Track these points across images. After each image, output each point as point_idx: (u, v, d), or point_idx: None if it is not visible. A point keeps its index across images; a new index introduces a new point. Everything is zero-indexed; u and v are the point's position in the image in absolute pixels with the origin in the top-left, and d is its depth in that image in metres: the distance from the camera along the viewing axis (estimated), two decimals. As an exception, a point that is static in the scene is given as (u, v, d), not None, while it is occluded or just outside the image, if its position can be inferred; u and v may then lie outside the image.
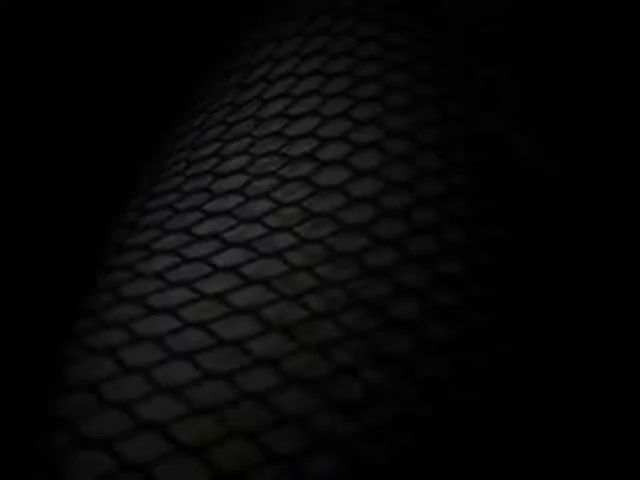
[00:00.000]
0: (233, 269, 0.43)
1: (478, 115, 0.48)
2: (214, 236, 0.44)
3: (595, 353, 0.44)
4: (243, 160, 0.47)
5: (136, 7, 0.56)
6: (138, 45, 0.56)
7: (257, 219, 0.44)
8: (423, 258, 0.43)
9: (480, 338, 0.42)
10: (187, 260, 0.43)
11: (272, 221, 0.44)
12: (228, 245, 0.44)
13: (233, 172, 0.46)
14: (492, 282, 0.44)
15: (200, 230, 0.44)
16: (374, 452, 0.38)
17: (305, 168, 0.45)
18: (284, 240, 0.43)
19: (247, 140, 0.47)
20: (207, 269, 0.43)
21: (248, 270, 0.43)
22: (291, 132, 0.47)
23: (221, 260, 0.43)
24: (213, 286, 0.42)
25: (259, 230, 0.44)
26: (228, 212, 0.45)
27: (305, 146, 0.46)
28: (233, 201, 0.45)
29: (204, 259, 0.43)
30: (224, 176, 0.46)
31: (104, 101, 0.55)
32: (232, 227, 0.44)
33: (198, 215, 0.45)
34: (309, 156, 0.45)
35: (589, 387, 0.43)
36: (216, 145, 0.48)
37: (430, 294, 0.42)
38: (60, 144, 0.54)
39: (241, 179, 0.46)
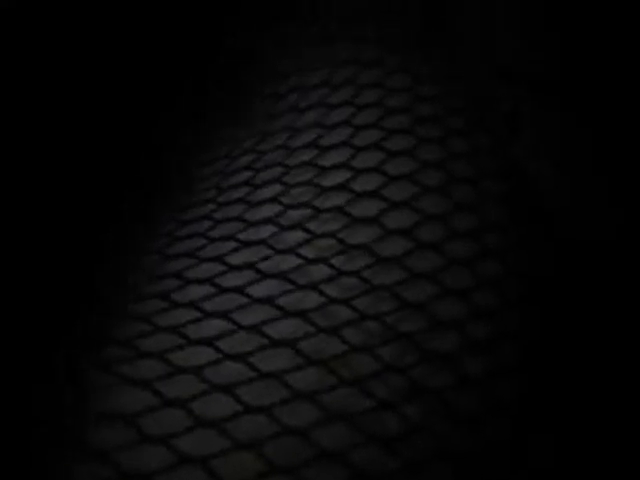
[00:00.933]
0: (269, 300, 0.43)
1: (504, 145, 0.48)
2: (249, 266, 0.44)
3: (610, 371, 0.44)
4: (276, 189, 0.47)
5: (137, 7, 0.56)
6: (139, 45, 0.56)
7: (292, 250, 0.44)
8: (458, 291, 0.43)
9: (512, 370, 0.42)
10: (222, 290, 0.43)
11: (307, 252, 0.44)
12: (263, 276, 0.44)
13: (266, 201, 0.46)
14: (524, 312, 0.44)
15: (234, 260, 0.44)
16: None
17: (339, 199, 0.45)
18: (320, 272, 0.43)
19: (279, 169, 0.47)
20: (243, 300, 0.43)
21: (284, 302, 0.43)
22: (323, 162, 0.47)
23: (257, 291, 0.43)
24: (250, 317, 0.42)
25: (294, 261, 0.44)
26: (263, 242, 0.45)
27: (338, 177, 0.46)
28: (267, 231, 0.45)
29: (239, 289, 0.43)
30: (257, 205, 0.46)
31: (104, 102, 0.55)
32: (267, 257, 0.44)
33: (232, 244, 0.45)
34: (343, 187, 0.46)
35: (607, 406, 0.44)
36: (247, 173, 0.48)
37: (465, 327, 0.43)
38: (59, 145, 0.54)
39: (274, 209, 0.46)
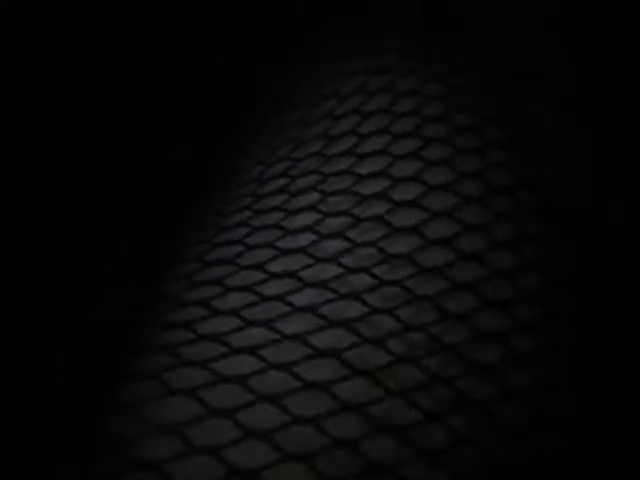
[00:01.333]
0: (311, 309, 0.42)
1: (537, 157, 0.48)
2: (289, 274, 0.44)
3: None
4: (313, 197, 0.46)
5: (137, 7, 0.55)
6: (139, 46, 0.55)
7: (332, 258, 0.44)
8: (500, 303, 0.43)
9: (557, 383, 0.42)
10: (264, 298, 0.43)
11: (348, 261, 0.44)
12: (304, 284, 0.43)
13: (303, 209, 0.46)
14: (565, 325, 0.44)
15: (274, 267, 0.44)
16: None
17: (378, 208, 0.45)
18: (361, 281, 0.43)
19: (315, 177, 0.47)
20: (285, 308, 0.42)
21: (327, 311, 0.42)
22: (361, 170, 0.47)
23: (298, 300, 0.43)
24: (292, 326, 0.42)
25: (335, 270, 0.44)
26: (302, 250, 0.44)
27: (377, 185, 0.46)
28: (306, 239, 0.45)
29: (281, 298, 0.43)
30: (294, 213, 0.46)
31: (104, 101, 0.54)
32: (307, 266, 0.44)
33: (271, 252, 0.45)
34: (382, 196, 0.45)
35: None
36: (283, 181, 0.47)
37: (508, 339, 0.42)
38: (59, 145, 0.53)
39: (313, 217, 0.45)
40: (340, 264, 0.44)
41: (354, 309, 0.42)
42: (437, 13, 0.51)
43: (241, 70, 0.55)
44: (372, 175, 0.46)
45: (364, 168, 0.47)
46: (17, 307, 0.48)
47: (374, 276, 0.43)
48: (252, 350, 0.41)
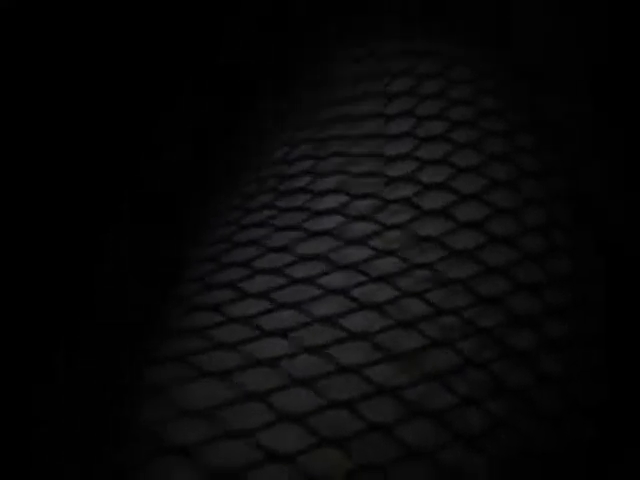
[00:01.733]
0: (343, 292, 0.42)
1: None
2: (318, 257, 0.43)
3: None
4: (340, 179, 0.46)
5: (137, 7, 0.55)
6: (139, 46, 0.55)
7: (361, 241, 0.43)
8: (532, 287, 0.42)
9: (592, 370, 0.42)
10: (293, 280, 0.42)
11: (377, 243, 0.43)
12: (334, 267, 0.43)
13: (330, 191, 0.45)
14: (598, 314, 0.43)
15: (303, 250, 0.43)
16: None
17: (406, 190, 0.44)
18: (391, 264, 0.43)
19: (341, 159, 0.46)
20: (315, 291, 0.42)
21: (357, 293, 0.42)
22: (388, 152, 0.46)
23: (328, 282, 0.42)
24: (323, 309, 0.41)
25: (365, 252, 0.43)
26: (330, 232, 0.44)
27: (404, 168, 0.45)
28: (334, 221, 0.44)
29: (310, 280, 0.42)
30: (321, 194, 0.45)
31: (104, 101, 0.54)
32: (336, 248, 0.43)
33: (299, 234, 0.44)
34: (410, 178, 0.45)
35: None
36: (308, 162, 0.47)
37: (541, 324, 0.42)
38: (59, 145, 0.52)
39: (339, 199, 0.45)
40: (370, 247, 0.43)
41: (385, 292, 0.42)
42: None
43: (241, 70, 0.55)
44: (399, 157, 0.46)
45: (390, 150, 0.46)
46: (17, 307, 0.47)
47: (404, 259, 0.43)
48: (284, 333, 0.40)
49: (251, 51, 0.55)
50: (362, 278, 0.42)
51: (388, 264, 0.43)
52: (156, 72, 0.55)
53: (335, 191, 0.45)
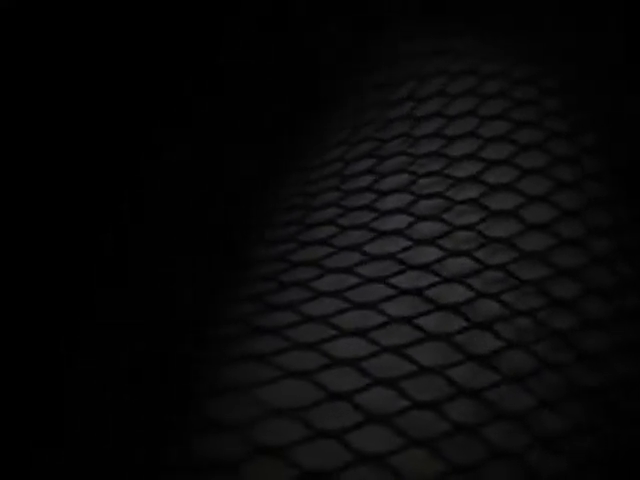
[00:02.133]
0: (416, 292, 0.41)
1: (626, 143, 0.48)
2: (388, 256, 0.43)
3: None
4: (404, 179, 0.45)
5: (137, 7, 0.55)
6: (139, 46, 0.54)
7: (431, 241, 0.43)
8: (602, 291, 0.43)
9: None
10: (365, 280, 0.42)
11: (447, 244, 0.43)
12: (406, 267, 0.42)
13: (394, 191, 0.45)
14: None
15: (372, 249, 0.43)
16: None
17: (473, 191, 0.44)
18: (463, 264, 0.42)
19: (404, 158, 0.46)
20: (388, 291, 0.42)
21: (431, 294, 0.41)
22: (451, 153, 0.46)
23: (400, 282, 0.42)
24: (398, 309, 0.41)
25: (435, 253, 0.43)
26: (399, 232, 0.43)
27: (469, 168, 0.45)
28: (402, 221, 0.44)
29: (384, 280, 0.42)
30: (385, 194, 0.45)
31: (104, 101, 0.53)
32: (406, 248, 0.43)
33: (366, 233, 0.44)
34: (475, 179, 0.45)
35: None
36: (370, 161, 0.46)
37: (613, 327, 0.42)
38: (59, 145, 0.52)
39: (405, 198, 0.45)
40: (440, 247, 0.43)
41: (458, 293, 0.42)
42: None
43: (241, 70, 0.55)
44: (464, 157, 0.46)
45: (455, 150, 0.46)
46: (17, 308, 0.47)
47: (476, 260, 0.42)
48: (363, 332, 0.40)
49: (251, 51, 0.55)
50: (435, 279, 0.42)
51: (459, 265, 0.42)
52: (156, 72, 0.54)
53: (399, 191, 0.45)
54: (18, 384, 0.44)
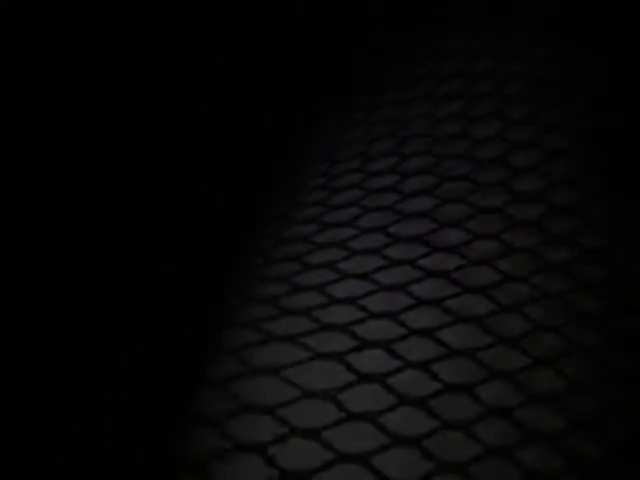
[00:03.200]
0: (443, 274, 0.41)
1: None
2: (414, 238, 0.42)
3: None
4: (427, 161, 0.45)
5: (137, 7, 0.54)
6: (140, 46, 0.54)
7: (458, 224, 0.42)
8: (632, 275, 0.42)
9: None
10: (392, 262, 0.41)
11: (473, 226, 0.42)
12: (431, 249, 0.42)
13: (418, 173, 0.44)
14: None
15: (398, 231, 0.42)
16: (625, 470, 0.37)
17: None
18: (490, 246, 0.42)
19: (426, 140, 0.45)
20: (416, 273, 0.41)
21: (458, 276, 0.41)
22: (475, 134, 0.45)
23: (426, 264, 0.41)
24: (427, 291, 0.40)
25: (462, 235, 0.42)
26: (426, 214, 0.43)
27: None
28: (427, 203, 0.43)
29: (410, 262, 0.41)
30: (408, 176, 0.44)
31: (104, 101, 0.53)
32: (432, 230, 0.42)
33: (391, 215, 0.43)
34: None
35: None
36: (391, 142, 0.46)
37: None
38: (59, 145, 0.52)
39: (429, 180, 0.44)
40: (466, 230, 0.42)
41: (487, 275, 0.41)
42: None
43: (241, 71, 0.54)
44: (488, 139, 0.45)
45: (478, 131, 0.45)
46: (17, 308, 0.46)
47: (502, 242, 0.42)
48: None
49: (251, 51, 0.54)
50: (462, 261, 0.41)
51: (486, 246, 0.42)
52: (156, 72, 0.54)
53: (424, 172, 0.44)
54: (18, 384, 0.44)
